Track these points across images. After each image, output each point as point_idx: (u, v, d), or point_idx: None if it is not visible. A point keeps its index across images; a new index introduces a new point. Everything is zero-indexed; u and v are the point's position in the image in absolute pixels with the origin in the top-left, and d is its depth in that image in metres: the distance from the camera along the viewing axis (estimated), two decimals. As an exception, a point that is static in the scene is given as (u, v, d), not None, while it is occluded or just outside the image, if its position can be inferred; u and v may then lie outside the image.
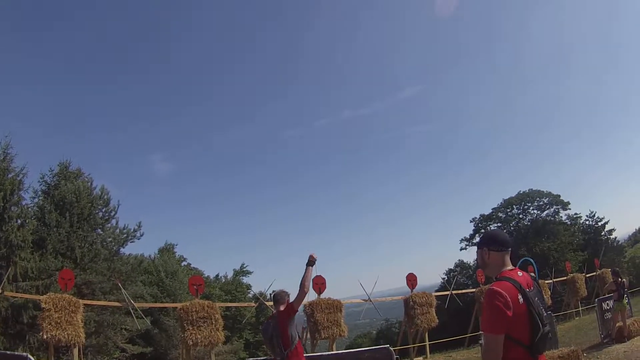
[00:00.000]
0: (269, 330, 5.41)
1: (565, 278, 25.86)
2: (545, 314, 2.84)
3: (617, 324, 13.06)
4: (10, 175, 21.45)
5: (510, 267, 3.01)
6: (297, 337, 5.38)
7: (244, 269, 44.76)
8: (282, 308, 5.51)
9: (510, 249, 3.07)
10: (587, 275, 26.91)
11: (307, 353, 5.33)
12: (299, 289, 5.42)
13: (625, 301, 13.65)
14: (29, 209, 23.47)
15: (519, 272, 2.97)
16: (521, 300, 2.75)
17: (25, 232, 20.72)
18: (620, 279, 13.18)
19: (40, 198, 25.58)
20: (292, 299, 5.65)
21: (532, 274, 3.52)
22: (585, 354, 11.01)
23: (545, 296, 18.58)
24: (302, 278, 5.42)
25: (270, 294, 26.88)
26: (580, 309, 24.44)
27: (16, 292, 17.98)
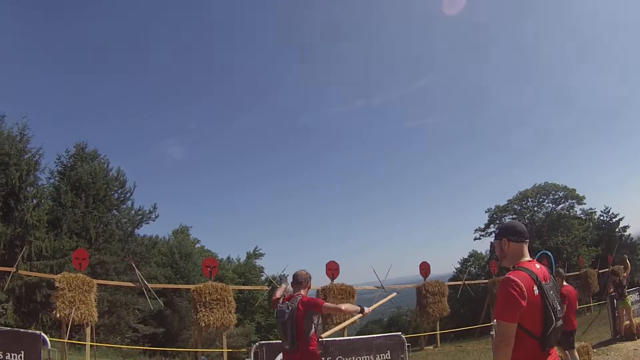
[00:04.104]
0: (286, 315, 4.87)
1: (577, 273, 25.74)
2: (559, 307, 2.84)
3: (625, 323, 12.96)
4: (26, 156, 21.73)
5: (528, 258, 3.02)
6: (314, 327, 4.87)
7: (257, 252, 44.89)
8: (303, 292, 5.04)
9: (528, 240, 3.08)
10: (600, 271, 26.74)
11: (319, 338, 5.05)
12: (338, 304, 5.19)
13: (630, 299, 13.48)
14: (45, 189, 23.82)
15: (536, 264, 2.97)
16: (536, 291, 2.75)
17: (40, 212, 21.01)
18: (618, 278, 13.01)
19: (57, 179, 25.96)
20: (311, 283, 5.34)
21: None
22: (594, 350, 10.92)
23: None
24: (347, 305, 5.13)
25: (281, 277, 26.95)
26: (591, 304, 24.29)
27: (30, 271, 18.26)
